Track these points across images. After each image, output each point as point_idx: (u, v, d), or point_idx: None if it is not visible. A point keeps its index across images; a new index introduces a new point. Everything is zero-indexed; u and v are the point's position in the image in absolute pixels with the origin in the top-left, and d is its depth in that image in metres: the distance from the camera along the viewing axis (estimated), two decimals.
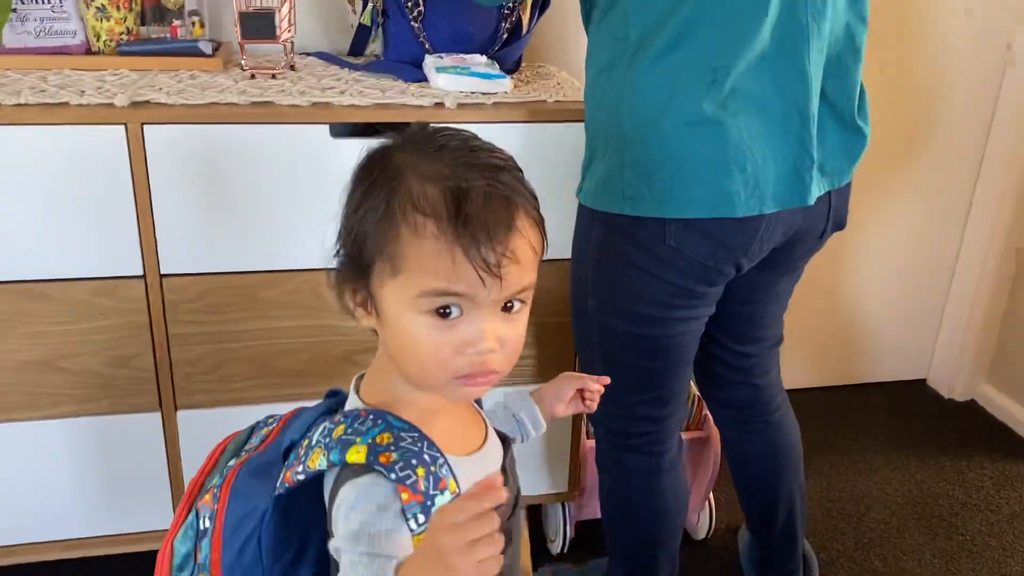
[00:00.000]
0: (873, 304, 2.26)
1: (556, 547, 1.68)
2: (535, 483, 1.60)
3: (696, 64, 1.02)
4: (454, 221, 0.65)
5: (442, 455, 0.71)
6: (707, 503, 1.73)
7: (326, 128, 1.26)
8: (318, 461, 0.71)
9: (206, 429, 1.27)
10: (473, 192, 0.67)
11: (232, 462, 0.83)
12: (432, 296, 0.67)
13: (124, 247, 1.26)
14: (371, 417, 0.73)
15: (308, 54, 1.60)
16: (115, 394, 1.34)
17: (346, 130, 1.28)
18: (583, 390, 0.94)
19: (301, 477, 0.72)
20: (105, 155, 1.21)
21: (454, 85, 1.36)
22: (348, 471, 0.70)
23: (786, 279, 1.29)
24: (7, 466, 1.35)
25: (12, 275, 1.24)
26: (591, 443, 1.54)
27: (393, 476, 0.68)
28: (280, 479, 0.74)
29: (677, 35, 1.01)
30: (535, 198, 0.73)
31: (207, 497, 0.81)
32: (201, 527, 0.80)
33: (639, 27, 1.03)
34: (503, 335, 0.70)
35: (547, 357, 1.47)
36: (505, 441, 0.84)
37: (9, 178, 1.20)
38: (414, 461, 0.69)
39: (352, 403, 0.78)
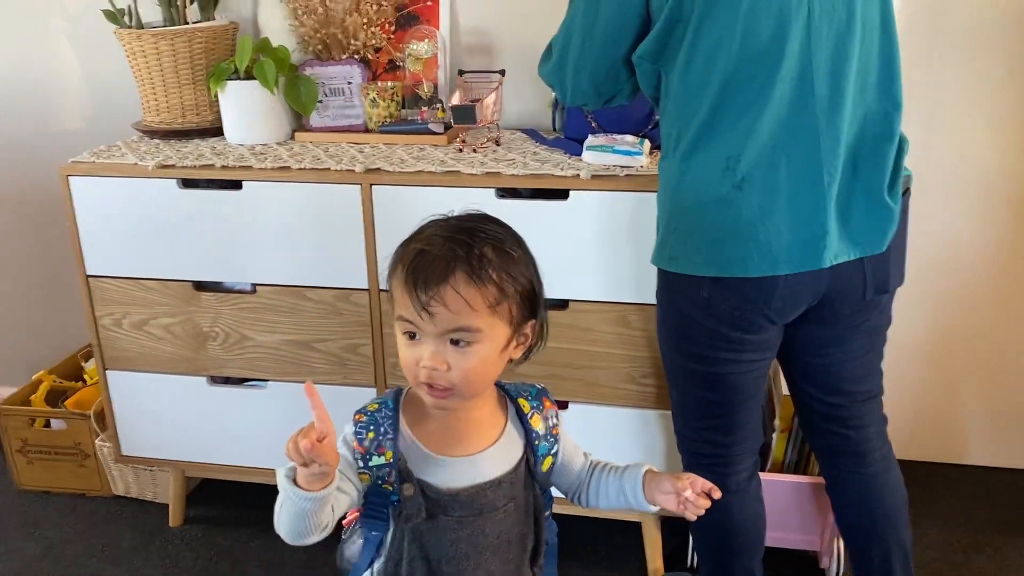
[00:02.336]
0: None
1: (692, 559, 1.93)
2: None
3: (715, 155, 1.29)
4: (411, 272, 0.98)
5: (393, 433, 1.05)
6: (834, 546, 1.86)
7: (492, 191, 1.70)
8: None
9: None
10: (428, 254, 0.98)
11: None
12: (400, 321, 1.01)
13: (356, 267, 1.80)
14: (390, 393, 1.09)
15: (521, 130, 2.05)
16: (347, 371, 1.89)
17: (509, 193, 1.71)
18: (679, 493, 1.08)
19: None
20: (348, 204, 1.76)
21: (597, 160, 1.72)
22: None
23: (858, 340, 1.45)
24: (285, 412, 1.97)
25: (288, 281, 1.85)
26: None
27: (354, 430, 1.06)
28: None
29: (700, 133, 1.30)
30: (500, 265, 0.99)
31: None
32: None
33: (677, 127, 1.33)
34: (453, 361, 0.99)
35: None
36: (526, 459, 1.11)
37: (290, 215, 1.80)
38: (371, 427, 1.05)
39: None
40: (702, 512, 1.08)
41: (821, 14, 1.25)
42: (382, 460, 1.05)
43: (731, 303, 1.34)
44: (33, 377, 2.39)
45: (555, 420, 1.15)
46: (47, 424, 2.26)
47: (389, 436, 1.05)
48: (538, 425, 1.13)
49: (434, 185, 1.72)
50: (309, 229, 1.81)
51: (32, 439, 2.25)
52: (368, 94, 1.99)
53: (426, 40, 2.03)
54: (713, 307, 1.36)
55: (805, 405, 1.57)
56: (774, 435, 1.91)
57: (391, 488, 1.05)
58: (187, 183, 1.84)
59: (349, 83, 2.03)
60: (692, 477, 1.08)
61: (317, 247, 1.81)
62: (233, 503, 2.22)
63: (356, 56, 2.04)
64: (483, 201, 1.70)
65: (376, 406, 1.08)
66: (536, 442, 1.12)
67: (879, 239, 1.34)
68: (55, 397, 2.33)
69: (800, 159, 1.28)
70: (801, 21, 1.25)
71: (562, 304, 1.76)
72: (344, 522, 1.11)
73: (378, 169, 1.77)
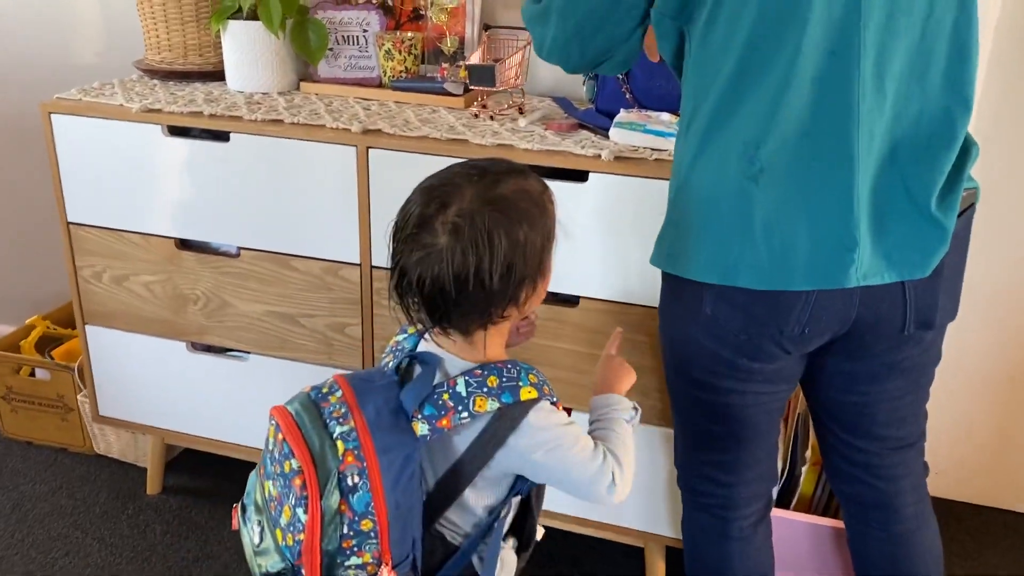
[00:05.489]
0: None
1: None
2: None
3: (732, 137, 1.05)
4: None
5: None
6: None
7: None
8: (487, 405, 1.00)
9: None
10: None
11: (343, 428, 0.99)
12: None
13: (348, 239, 1.61)
14: (509, 367, 1.03)
15: (553, 98, 1.82)
16: (332, 352, 1.72)
17: None
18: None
19: (466, 419, 1.00)
20: (342, 167, 1.57)
21: (625, 139, 1.49)
22: (521, 405, 1.01)
23: (896, 379, 1.21)
24: (268, 389, 1.81)
25: (274, 247, 1.67)
26: None
27: (554, 399, 1.04)
28: (429, 426, 0.99)
29: (717, 109, 1.05)
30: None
31: (348, 460, 0.98)
32: (349, 484, 0.98)
33: (693, 100, 1.09)
34: None
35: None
36: None
37: (279, 174, 1.62)
38: (550, 386, 1.05)
39: (459, 365, 1.04)
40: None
41: None
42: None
43: (736, 324, 1.11)
44: (27, 321, 2.28)
45: None
46: (32, 373, 2.14)
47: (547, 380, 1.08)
48: None
49: (437, 154, 1.51)
50: (299, 192, 1.62)
51: (16, 387, 2.14)
52: (383, 45, 1.78)
53: None
54: (717, 327, 1.13)
55: (829, 445, 1.34)
56: (803, 467, 1.68)
57: None
58: (173, 130, 1.67)
59: (365, 31, 1.83)
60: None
61: (306, 213, 1.63)
62: (215, 474, 2.08)
63: (375, 0, 1.83)
64: None
65: (534, 375, 1.04)
66: None
67: (922, 261, 1.09)
68: (46, 344, 2.22)
69: (830, 151, 1.03)
70: None
71: (572, 300, 1.54)
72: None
73: (378, 131, 1.57)
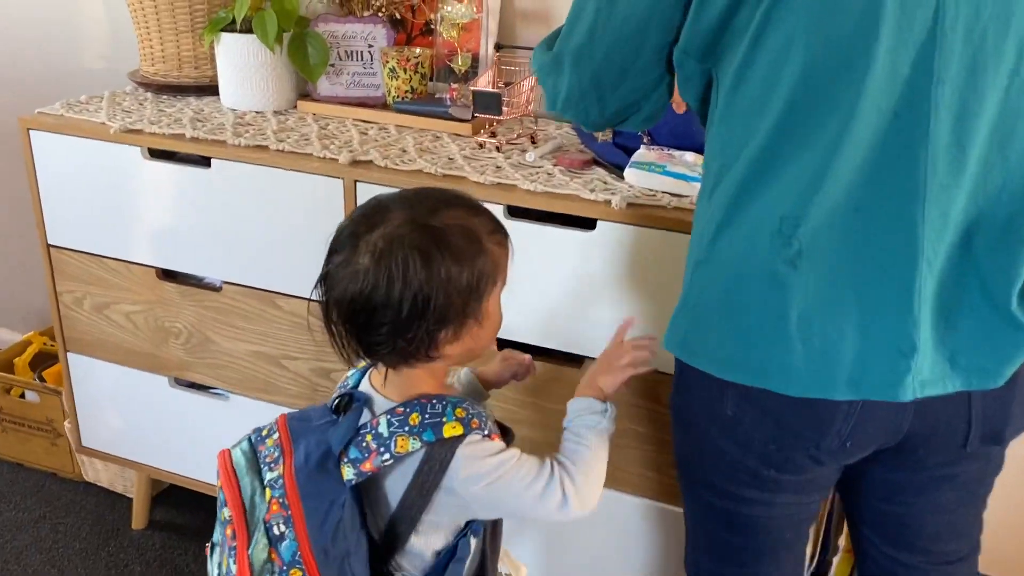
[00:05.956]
0: None
1: None
2: None
3: (763, 210, 0.86)
4: (497, 225, 0.99)
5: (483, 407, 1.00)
6: None
7: (502, 208, 1.32)
8: (409, 445, 0.93)
9: None
10: (480, 209, 0.99)
11: (272, 475, 0.98)
12: (501, 283, 0.98)
13: None
14: (435, 402, 0.96)
15: (575, 127, 1.65)
16: (316, 398, 1.57)
17: (522, 213, 1.33)
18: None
19: (389, 461, 0.94)
20: (328, 201, 1.42)
21: (642, 182, 1.31)
22: (447, 444, 0.94)
23: (948, 492, 1.01)
24: (243, 430, 1.67)
25: (257, 283, 1.53)
26: None
27: (486, 431, 0.96)
28: (354, 470, 0.94)
29: (750, 173, 0.86)
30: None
31: (274, 508, 0.96)
32: (276, 533, 0.96)
33: (721, 158, 0.90)
34: None
35: None
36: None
37: (263, 206, 1.47)
38: (484, 417, 0.96)
39: (383, 404, 0.98)
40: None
41: (959, 8, 0.80)
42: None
43: (764, 432, 0.93)
44: (24, 337, 2.19)
45: None
46: (23, 395, 2.05)
47: (483, 412, 1.00)
48: None
49: None
50: (284, 224, 1.48)
51: (7, 408, 2.05)
52: (387, 62, 1.63)
53: (465, 1, 1.64)
54: (740, 432, 0.94)
55: (864, 553, 1.14)
56: (835, 557, 1.48)
57: None
58: (154, 153, 1.54)
59: (370, 46, 1.68)
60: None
61: (292, 247, 1.49)
62: (206, 508, 1.96)
63: (382, 13, 1.68)
64: None
65: (461, 409, 0.96)
66: None
67: (995, 368, 0.89)
68: (42, 361, 2.13)
69: (888, 232, 0.84)
70: (924, 14, 0.80)
71: (575, 359, 1.37)
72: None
73: (369, 162, 1.41)
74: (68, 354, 1.77)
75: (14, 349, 2.14)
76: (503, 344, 1.40)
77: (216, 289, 1.58)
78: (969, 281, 0.87)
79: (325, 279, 0.96)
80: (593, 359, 1.34)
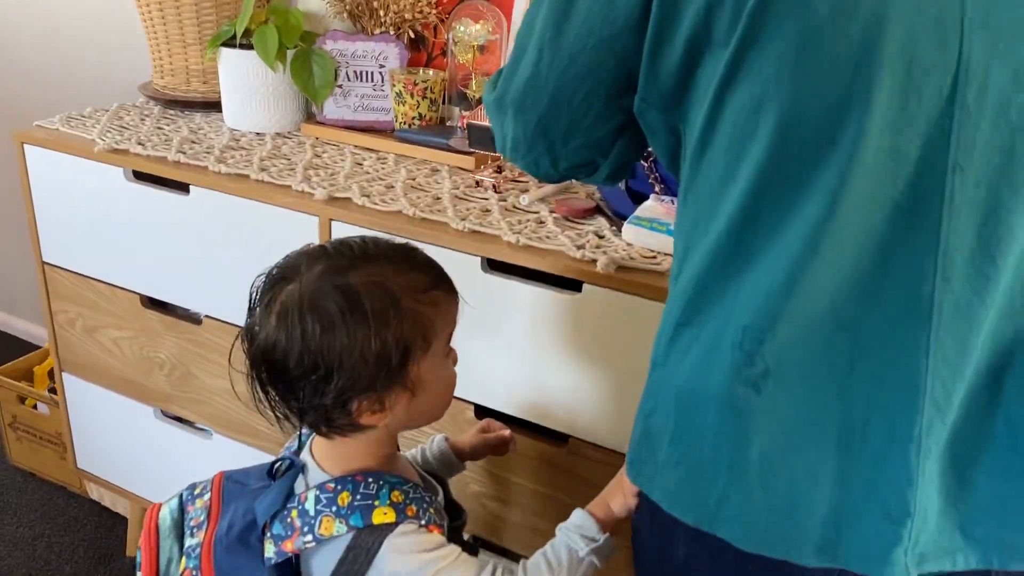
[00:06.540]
0: None
1: None
2: None
3: (723, 315, 0.68)
4: (439, 277, 0.88)
5: (431, 493, 0.90)
6: None
7: (479, 260, 1.16)
8: (334, 528, 0.83)
9: None
10: (422, 261, 0.90)
11: (192, 541, 0.91)
12: (446, 343, 0.88)
13: None
14: (371, 481, 0.86)
15: None
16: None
17: (502, 267, 1.16)
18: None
19: (311, 544, 0.84)
20: (304, 238, 1.29)
21: (641, 241, 1.13)
22: (375, 532, 0.83)
23: None
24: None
25: (235, 319, 1.42)
26: None
27: (424, 521, 0.85)
28: (275, 549, 0.86)
29: (709, 265, 0.68)
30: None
31: None
32: None
33: (684, 236, 0.72)
34: None
35: None
36: (440, 480, 1.01)
37: (240, 238, 1.36)
38: (425, 505, 0.86)
39: (317, 476, 0.89)
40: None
41: (989, 76, 0.60)
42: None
43: None
44: (46, 344, 2.16)
45: None
46: (35, 406, 2.02)
47: (428, 496, 0.90)
48: None
49: (408, 237, 1.20)
50: (261, 258, 1.35)
51: (21, 417, 2.02)
52: (394, 85, 1.49)
53: (481, 22, 1.49)
54: None
55: None
56: None
57: None
58: (139, 174, 1.45)
59: (382, 67, 1.55)
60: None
61: None
62: None
63: (394, 31, 1.54)
64: (467, 272, 1.17)
65: (399, 493, 0.86)
66: None
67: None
68: None
69: (881, 361, 0.64)
70: (938, 80, 0.60)
71: (560, 438, 1.20)
72: None
73: (347, 199, 1.28)
74: (64, 374, 1.72)
75: (33, 359, 2.12)
76: (482, 411, 1.24)
77: (197, 322, 1.48)
78: (996, 430, 0.66)
79: (247, 332, 0.88)
80: (581, 440, 1.17)
